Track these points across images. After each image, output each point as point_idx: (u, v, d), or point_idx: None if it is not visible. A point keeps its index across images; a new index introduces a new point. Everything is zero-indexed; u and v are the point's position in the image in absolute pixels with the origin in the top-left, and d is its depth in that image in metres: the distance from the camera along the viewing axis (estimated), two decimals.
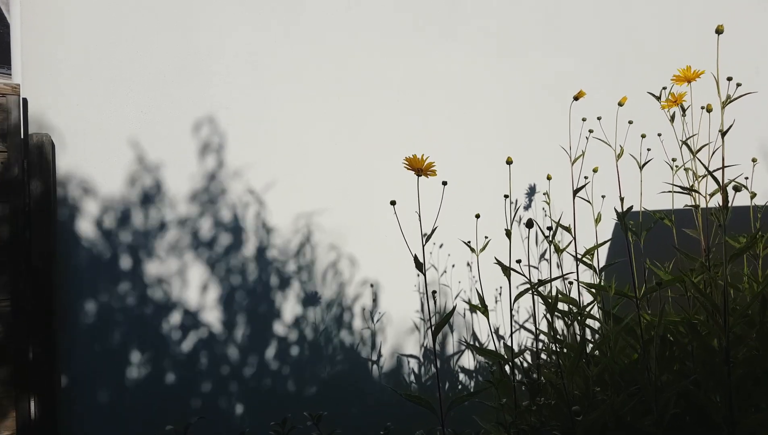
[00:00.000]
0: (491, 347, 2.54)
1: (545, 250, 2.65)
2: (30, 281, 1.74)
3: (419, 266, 1.24)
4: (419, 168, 1.23)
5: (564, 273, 2.60)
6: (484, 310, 1.50)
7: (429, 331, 2.40)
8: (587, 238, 2.29)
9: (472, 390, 2.48)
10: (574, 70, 2.69)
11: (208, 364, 2.02)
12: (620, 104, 1.58)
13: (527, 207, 2.56)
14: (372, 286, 2.29)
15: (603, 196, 2.08)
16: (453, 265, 2.44)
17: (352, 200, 2.26)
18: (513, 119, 2.59)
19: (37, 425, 1.74)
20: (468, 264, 2.47)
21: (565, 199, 2.70)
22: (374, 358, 2.30)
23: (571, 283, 2.45)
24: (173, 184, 1.98)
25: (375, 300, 2.30)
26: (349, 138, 2.27)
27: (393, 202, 1.32)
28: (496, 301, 2.56)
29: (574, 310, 1.79)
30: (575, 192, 1.54)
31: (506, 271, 1.44)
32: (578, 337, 1.85)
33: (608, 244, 2.72)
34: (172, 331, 1.98)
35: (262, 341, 2.10)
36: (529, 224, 1.32)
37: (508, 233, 1.44)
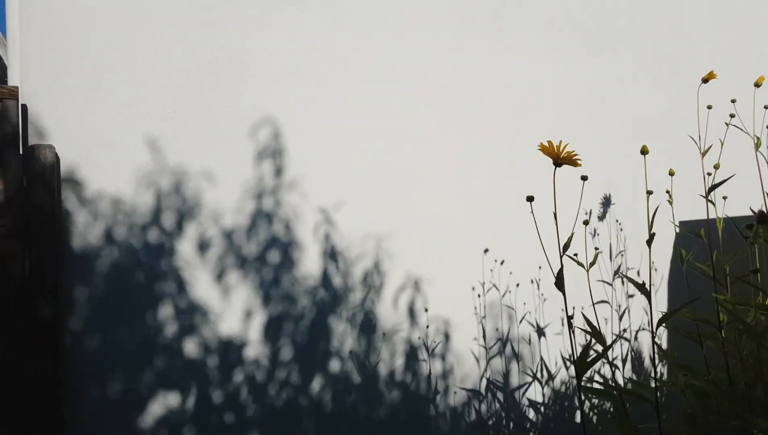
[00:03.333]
0: (563, 375, 2.21)
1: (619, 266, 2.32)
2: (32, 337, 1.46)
3: (561, 283, 0.94)
4: (556, 156, 0.94)
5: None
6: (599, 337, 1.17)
7: (490, 361, 2.08)
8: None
9: (540, 427, 2.15)
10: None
11: (252, 406, 1.73)
12: (757, 85, 1.25)
13: (602, 217, 2.23)
14: (426, 310, 1.98)
15: (725, 198, 1.75)
16: (517, 285, 2.12)
17: (400, 212, 1.96)
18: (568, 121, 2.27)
19: None
20: (533, 281, 2.15)
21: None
22: (430, 395, 1.99)
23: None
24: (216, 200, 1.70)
25: (427, 326, 1.99)
26: (401, 151, 1.97)
27: (530, 199, 1.03)
28: (563, 324, 2.23)
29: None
30: (710, 189, 1.20)
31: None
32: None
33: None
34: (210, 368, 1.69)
35: (314, 375, 1.81)
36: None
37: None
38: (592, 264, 1.14)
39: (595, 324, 2.27)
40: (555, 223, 1.01)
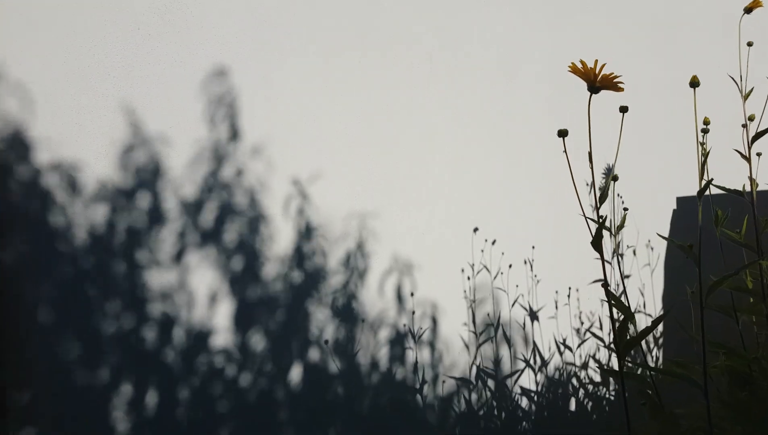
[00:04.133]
0: (556, 360, 2.08)
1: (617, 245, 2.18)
2: None
3: (598, 243, 0.80)
4: (592, 79, 0.78)
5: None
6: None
7: (480, 348, 1.94)
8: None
9: (533, 417, 2.02)
10: None
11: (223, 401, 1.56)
12: (747, 10, 1.07)
13: (592, 186, 2.07)
14: (412, 294, 1.82)
15: (759, 154, 1.59)
16: (510, 266, 1.97)
17: (378, 188, 1.79)
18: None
19: None
20: (526, 262, 2.01)
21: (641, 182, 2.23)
22: (417, 385, 1.84)
23: None
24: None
25: (413, 312, 1.83)
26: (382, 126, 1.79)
27: (563, 133, 0.86)
28: (557, 307, 2.10)
29: None
30: (755, 137, 1.04)
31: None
32: None
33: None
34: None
35: (288, 368, 1.64)
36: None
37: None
38: (621, 227, 0.99)
39: (591, 307, 2.15)
40: (590, 165, 0.84)
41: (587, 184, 2.17)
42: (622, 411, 0.91)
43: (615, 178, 0.98)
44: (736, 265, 1.06)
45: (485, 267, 1.93)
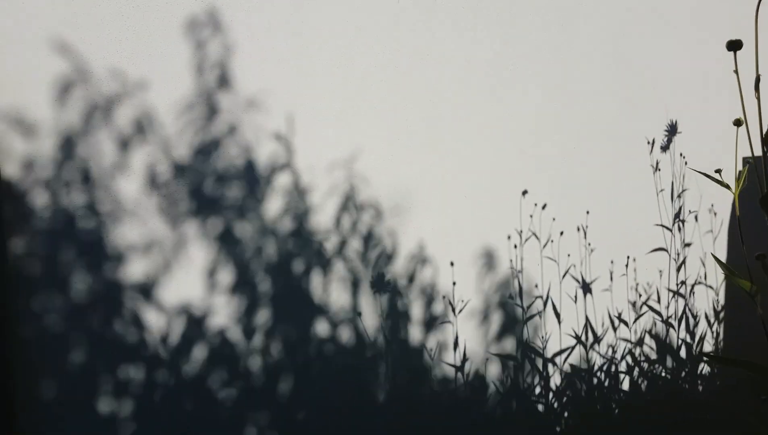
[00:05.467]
0: (609, 338, 1.90)
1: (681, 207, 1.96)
2: None
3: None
4: None
5: None
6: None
7: (527, 323, 1.76)
8: None
9: (582, 396, 1.85)
10: None
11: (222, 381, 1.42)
12: None
13: (665, 147, 1.85)
14: (452, 264, 1.64)
15: None
16: (561, 233, 1.77)
17: (413, 146, 1.59)
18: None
19: None
20: (579, 229, 1.80)
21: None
22: (457, 362, 1.67)
23: None
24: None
25: (454, 283, 1.65)
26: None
27: (735, 44, 0.64)
28: (611, 278, 1.90)
29: None
30: None
31: None
32: None
33: None
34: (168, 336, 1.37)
35: (298, 347, 1.49)
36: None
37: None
38: (739, 184, 0.78)
39: (649, 278, 1.94)
40: (756, 95, 0.63)
41: (648, 143, 1.93)
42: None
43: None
44: None
45: (534, 234, 1.73)
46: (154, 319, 1.33)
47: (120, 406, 1.31)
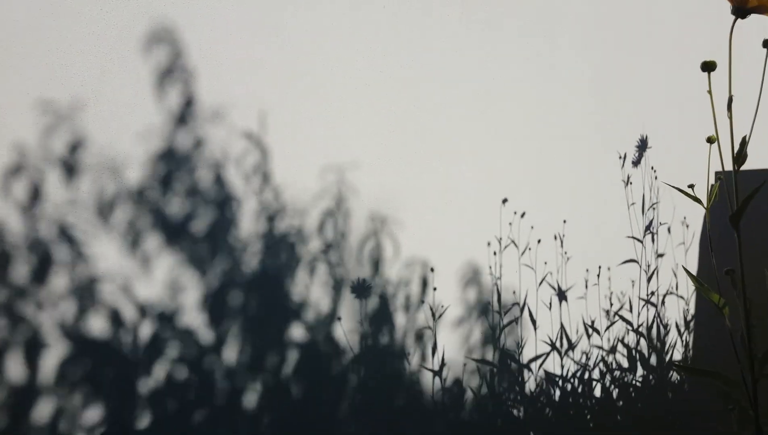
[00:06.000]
0: (583, 345, 1.94)
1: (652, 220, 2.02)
2: None
3: (737, 219, 0.63)
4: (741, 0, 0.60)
5: None
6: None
7: (504, 329, 1.79)
8: None
9: (557, 401, 1.89)
10: None
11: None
12: None
13: (636, 162, 1.91)
14: (432, 270, 1.67)
15: None
16: (539, 241, 1.81)
17: (393, 151, 1.61)
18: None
19: None
20: (556, 237, 1.85)
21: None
22: (435, 367, 1.69)
23: None
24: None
25: (424, 287, 1.68)
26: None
27: (709, 66, 0.65)
28: (587, 287, 1.95)
29: None
30: None
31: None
32: None
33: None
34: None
35: (272, 353, 1.49)
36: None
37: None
38: (711, 199, 0.81)
39: (622, 287, 1.99)
40: (728, 115, 0.66)
41: (620, 157, 1.99)
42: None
43: (711, 141, 0.79)
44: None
45: (513, 242, 1.77)
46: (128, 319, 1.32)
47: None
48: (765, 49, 0.67)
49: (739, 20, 0.61)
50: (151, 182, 1.29)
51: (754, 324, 0.67)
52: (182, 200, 1.32)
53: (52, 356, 1.19)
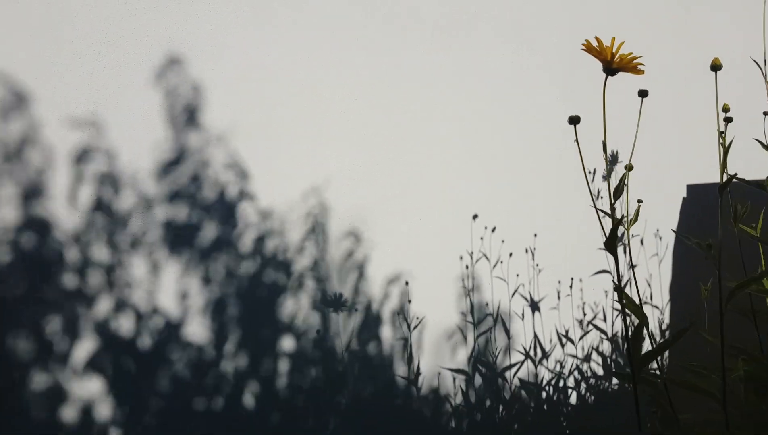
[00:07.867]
0: (557, 354, 2.01)
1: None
2: None
3: (612, 244, 0.72)
4: (608, 60, 0.70)
5: None
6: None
7: (478, 339, 1.87)
8: None
9: (532, 409, 1.96)
10: None
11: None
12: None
13: (606, 177, 1.99)
14: (407, 283, 1.75)
15: None
16: (510, 254, 1.89)
17: (371, 170, 1.70)
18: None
19: None
20: (527, 250, 1.93)
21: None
22: (411, 377, 1.77)
23: None
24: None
25: (409, 300, 1.76)
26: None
27: (575, 120, 0.76)
28: (559, 297, 2.02)
29: None
30: None
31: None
32: None
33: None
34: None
35: (262, 361, 1.58)
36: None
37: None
38: (635, 220, 0.90)
39: (595, 298, 2.07)
40: (605, 156, 0.76)
41: (589, 173, 2.07)
42: (636, 422, 0.83)
43: (629, 168, 0.89)
44: (749, 260, 0.97)
45: (484, 255, 1.85)
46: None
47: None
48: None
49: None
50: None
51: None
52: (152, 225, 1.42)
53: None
